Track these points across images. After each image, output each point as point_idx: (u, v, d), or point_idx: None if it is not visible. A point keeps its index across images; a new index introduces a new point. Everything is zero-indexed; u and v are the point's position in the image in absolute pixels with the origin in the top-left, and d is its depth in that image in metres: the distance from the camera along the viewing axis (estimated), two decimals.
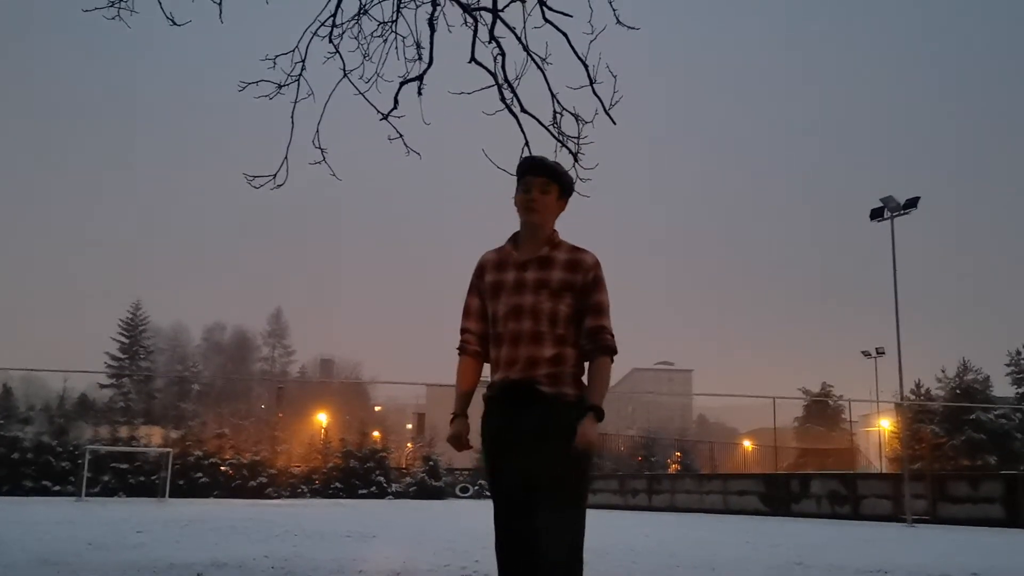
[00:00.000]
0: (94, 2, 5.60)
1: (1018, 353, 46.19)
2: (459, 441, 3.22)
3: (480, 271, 3.28)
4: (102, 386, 59.20)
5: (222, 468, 39.38)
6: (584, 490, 3.06)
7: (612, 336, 3.15)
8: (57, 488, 35.41)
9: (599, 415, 3.01)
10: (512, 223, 3.30)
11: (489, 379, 3.24)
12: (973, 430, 40.65)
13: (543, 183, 3.19)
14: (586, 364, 3.14)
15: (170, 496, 32.30)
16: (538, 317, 3.07)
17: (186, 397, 61.56)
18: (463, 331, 3.30)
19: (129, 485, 36.73)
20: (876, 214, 24.20)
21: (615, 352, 3.15)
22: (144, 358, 63.88)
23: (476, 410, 3.12)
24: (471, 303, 3.31)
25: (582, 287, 3.12)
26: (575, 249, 3.19)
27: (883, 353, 46.27)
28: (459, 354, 3.31)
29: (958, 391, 43.15)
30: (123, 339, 62.87)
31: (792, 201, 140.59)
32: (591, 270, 3.14)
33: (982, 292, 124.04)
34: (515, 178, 3.29)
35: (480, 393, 3.27)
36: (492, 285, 3.20)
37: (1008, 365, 46.33)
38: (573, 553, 2.91)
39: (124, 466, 37.19)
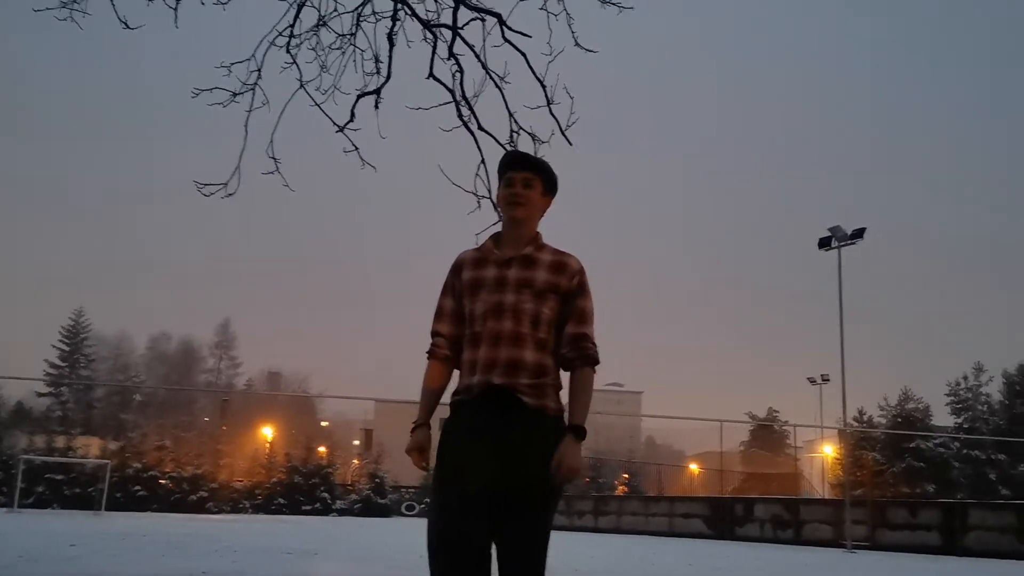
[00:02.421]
0: (45, 2, 5.51)
1: (957, 383, 47.22)
2: (420, 454, 2.99)
3: (457, 269, 3.11)
4: (40, 394, 57.67)
5: (162, 481, 38.57)
6: (555, 506, 2.95)
7: (595, 345, 3.01)
8: None
9: (581, 435, 2.87)
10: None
11: (460, 382, 3.01)
12: (913, 458, 41.42)
13: (525, 178, 3.06)
14: (566, 374, 3.02)
15: (107, 509, 31.52)
16: (519, 317, 2.92)
17: (127, 407, 60.20)
18: (434, 334, 3.11)
19: (64, 497, 35.79)
20: (824, 243, 24.63)
21: (598, 362, 3.01)
22: (85, 366, 62.30)
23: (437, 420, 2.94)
24: (444, 304, 3.12)
25: (566, 292, 2.99)
26: (559, 252, 3.06)
27: (828, 380, 46.94)
28: (428, 358, 3.12)
29: (899, 419, 43.96)
30: (63, 346, 61.30)
31: (743, 225, 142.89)
32: (576, 275, 3.02)
33: (924, 323, 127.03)
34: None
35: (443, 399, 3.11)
36: (470, 282, 3.02)
37: (947, 395, 47.33)
38: (540, 569, 2.86)
39: (60, 477, 36.25)
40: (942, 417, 47.10)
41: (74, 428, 47.80)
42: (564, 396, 3.05)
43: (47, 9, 5.51)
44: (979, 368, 47.11)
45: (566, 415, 2.99)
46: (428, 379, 3.11)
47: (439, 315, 3.13)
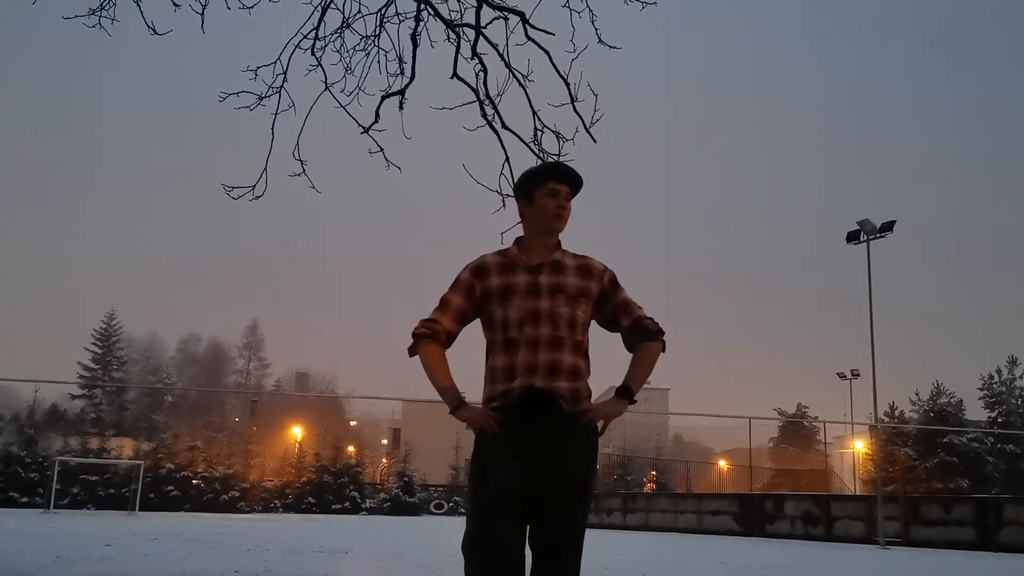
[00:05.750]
0: (74, 10, 5.57)
1: (991, 377, 46.61)
2: (489, 421, 2.92)
3: (479, 271, 3.09)
4: (73, 396, 58.41)
5: (194, 481, 38.94)
6: (588, 507, 3.02)
7: (653, 320, 3.14)
8: (25, 500, 34.85)
9: (627, 395, 3.02)
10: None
11: (493, 388, 3.01)
12: (946, 453, 40.91)
13: (569, 192, 3.12)
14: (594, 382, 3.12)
15: (140, 509, 31.88)
16: (556, 322, 2.98)
17: (159, 409, 60.83)
18: (432, 320, 3.07)
19: (99, 497, 36.22)
20: (852, 237, 24.37)
21: (662, 333, 3.14)
22: (117, 368, 63.05)
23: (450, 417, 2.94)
24: (452, 299, 3.09)
25: (600, 293, 3.09)
26: (580, 256, 3.15)
27: (858, 375, 46.54)
28: (425, 340, 3.05)
29: (931, 414, 43.45)
30: (96, 349, 62.07)
31: (771, 221, 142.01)
32: (604, 274, 3.12)
33: (957, 316, 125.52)
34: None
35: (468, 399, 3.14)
36: (501, 288, 3.03)
37: (981, 389, 46.73)
38: (575, 570, 2.93)
39: (94, 478, 36.69)
40: (975, 411, 46.60)
41: (107, 430, 48.32)
42: (594, 400, 3.10)
43: (76, 16, 5.58)
44: (1013, 361, 46.49)
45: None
46: (436, 360, 3.06)
47: (444, 307, 3.10)
